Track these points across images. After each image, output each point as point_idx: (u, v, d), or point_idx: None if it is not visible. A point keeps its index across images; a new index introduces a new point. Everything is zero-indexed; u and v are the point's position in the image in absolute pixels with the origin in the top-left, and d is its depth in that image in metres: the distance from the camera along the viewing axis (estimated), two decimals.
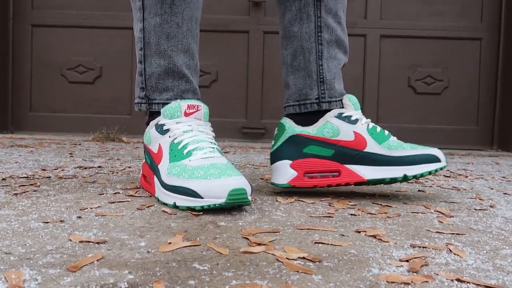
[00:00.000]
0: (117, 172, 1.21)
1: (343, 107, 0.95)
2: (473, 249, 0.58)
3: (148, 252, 0.53)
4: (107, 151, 1.89)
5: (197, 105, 0.87)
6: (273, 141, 0.98)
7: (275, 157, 0.96)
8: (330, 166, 0.91)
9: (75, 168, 1.28)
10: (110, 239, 0.57)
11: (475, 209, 0.86)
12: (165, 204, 0.78)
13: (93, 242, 0.55)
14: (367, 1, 2.79)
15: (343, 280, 0.46)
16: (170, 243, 0.56)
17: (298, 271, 0.47)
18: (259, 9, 2.78)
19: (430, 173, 0.88)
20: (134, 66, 2.80)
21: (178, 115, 0.86)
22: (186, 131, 0.84)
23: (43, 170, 1.21)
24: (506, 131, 2.73)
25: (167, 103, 0.89)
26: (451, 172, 1.51)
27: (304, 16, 0.96)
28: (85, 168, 1.28)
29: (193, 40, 0.92)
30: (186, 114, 0.86)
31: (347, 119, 0.92)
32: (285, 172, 0.92)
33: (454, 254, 0.56)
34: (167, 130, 0.86)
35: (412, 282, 0.45)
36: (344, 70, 1.02)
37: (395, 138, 0.92)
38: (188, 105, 0.86)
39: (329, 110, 0.94)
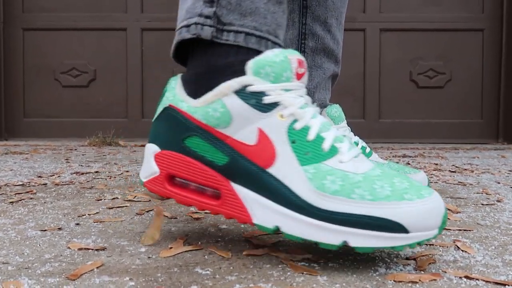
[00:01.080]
0: (115, 177, 1.19)
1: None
2: (481, 245, 0.58)
3: (149, 257, 0.52)
4: (104, 155, 1.87)
5: (304, 61, 0.53)
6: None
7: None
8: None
9: (71, 174, 1.26)
10: (110, 245, 0.56)
11: (482, 204, 0.85)
12: (319, 244, 0.47)
13: (92, 249, 0.54)
14: None
15: (349, 280, 0.45)
16: (171, 248, 0.55)
17: (302, 273, 0.46)
18: None
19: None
20: (129, 68, 2.78)
21: (288, 76, 0.50)
22: (302, 107, 0.50)
23: (39, 177, 1.20)
24: None
25: (252, 35, 0.53)
26: (456, 167, 1.50)
27: (290, 22, 0.94)
28: (82, 173, 1.27)
29: None
30: (298, 76, 0.51)
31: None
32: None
33: (462, 250, 0.55)
34: (275, 105, 0.49)
35: (420, 280, 0.44)
36: (345, 66, 1.00)
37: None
38: (298, 59, 0.51)
39: None
